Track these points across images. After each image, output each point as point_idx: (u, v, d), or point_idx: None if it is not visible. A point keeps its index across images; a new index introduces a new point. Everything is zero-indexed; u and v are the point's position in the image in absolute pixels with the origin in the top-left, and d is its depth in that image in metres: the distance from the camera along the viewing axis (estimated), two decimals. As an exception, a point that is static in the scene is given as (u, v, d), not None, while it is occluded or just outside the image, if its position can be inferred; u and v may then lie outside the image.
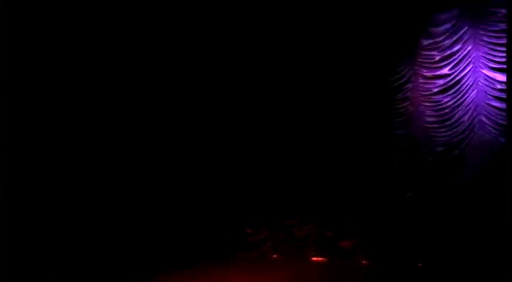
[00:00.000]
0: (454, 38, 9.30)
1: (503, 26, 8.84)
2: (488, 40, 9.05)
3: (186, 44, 10.25)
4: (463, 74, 9.29)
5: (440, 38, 9.40)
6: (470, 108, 9.25)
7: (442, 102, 9.46)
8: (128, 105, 10.14)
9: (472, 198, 9.12)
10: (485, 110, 9.13)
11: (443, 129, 9.49)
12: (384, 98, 9.79)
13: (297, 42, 10.08)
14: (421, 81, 9.61)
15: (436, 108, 9.53)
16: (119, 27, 9.88)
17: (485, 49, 9.09)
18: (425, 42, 9.53)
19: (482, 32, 9.09)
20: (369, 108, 9.88)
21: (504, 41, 8.76)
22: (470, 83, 9.23)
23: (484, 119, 9.14)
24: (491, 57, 9.05)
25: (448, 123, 9.44)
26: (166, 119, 10.31)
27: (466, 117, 9.29)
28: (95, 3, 9.58)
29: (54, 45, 9.57)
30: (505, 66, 8.77)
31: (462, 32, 9.24)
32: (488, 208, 8.92)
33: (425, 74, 9.58)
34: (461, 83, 9.30)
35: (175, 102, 10.38)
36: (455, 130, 9.38)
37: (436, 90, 9.51)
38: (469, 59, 9.22)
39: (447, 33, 9.35)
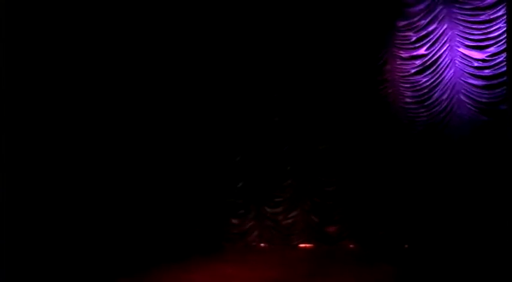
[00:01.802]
0: (429, 18, 9.33)
1: (477, 3, 8.92)
2: (463, 18, 9.11)
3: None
4: (439, 53, 9.33)
5: (416, 19, 9.42)
6: (448, 88, 9.31)
7: (420, 82, 9.51)
8: (117, 106, 9.99)
9: (459, 182, 9.20)
10: (464, 89, 9.19)
11: (422, 110, 9.54)
12: (363, 81, 9.78)
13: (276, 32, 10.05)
14: (398, 62, 9.64)
15: (414, 88, 9.58)
16: (118, 28, 9.79)
17: (461, 27, 9.14)
18: (401, 23, 9.54)
19: (456, 11, 9.14)
20: (349, 91, 9.87)
21: (479, 19, 8.89)
22: (447, 62, 9.28)
23: (462, 97, 9.20)
24: (467, 35, 9.11)
25: (427, 103, 9.49)
26: (155, 117, 10.17)
27: (444, 97, 9.34)
28: (95, 3, 9.54)
29: (55, 47, 9.50)
30: (482, 44, 8.93)
31: (437, 11, 9.27)
32: (475, 190, 9.03)
33: (402, 55, 9.61)
34: (438, 62, 9.35)
35: (161, 100, 10.24)
36: (434, 110, 9.43)
37: (413, 71, 9.55)
38: (445, 38, 9.26)
39: (422, 13, 9.38)
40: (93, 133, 9.75)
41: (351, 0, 9.69)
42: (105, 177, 9.56)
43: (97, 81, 9.82)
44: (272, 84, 10.26)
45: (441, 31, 9.27)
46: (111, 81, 9.94)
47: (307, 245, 10.28)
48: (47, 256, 8.65)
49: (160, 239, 9.84)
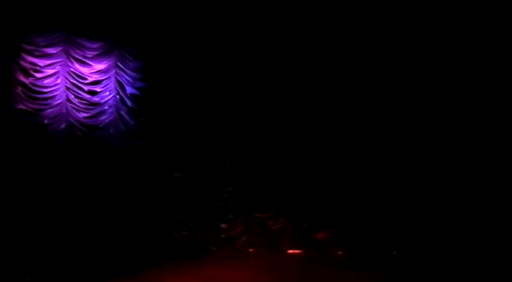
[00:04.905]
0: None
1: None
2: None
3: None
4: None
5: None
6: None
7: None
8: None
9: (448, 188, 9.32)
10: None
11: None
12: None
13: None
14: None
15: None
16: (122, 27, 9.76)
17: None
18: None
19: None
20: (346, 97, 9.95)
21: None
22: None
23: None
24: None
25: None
26: (150, 117, 10.13)
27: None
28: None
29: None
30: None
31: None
32: (462, 196, 9.12)
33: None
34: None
35: (158, 100, 10.20)
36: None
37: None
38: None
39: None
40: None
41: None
42: (96, 181, 9.49)
43: None
44: (259, 87, 10.24)
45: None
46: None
47: (296, 250, 10.26)
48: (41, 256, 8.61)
49: (145, 242, 9.70)
